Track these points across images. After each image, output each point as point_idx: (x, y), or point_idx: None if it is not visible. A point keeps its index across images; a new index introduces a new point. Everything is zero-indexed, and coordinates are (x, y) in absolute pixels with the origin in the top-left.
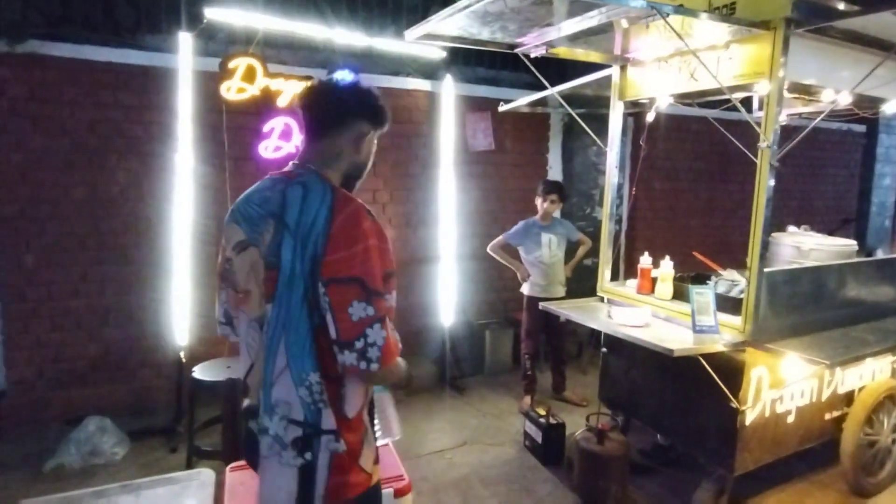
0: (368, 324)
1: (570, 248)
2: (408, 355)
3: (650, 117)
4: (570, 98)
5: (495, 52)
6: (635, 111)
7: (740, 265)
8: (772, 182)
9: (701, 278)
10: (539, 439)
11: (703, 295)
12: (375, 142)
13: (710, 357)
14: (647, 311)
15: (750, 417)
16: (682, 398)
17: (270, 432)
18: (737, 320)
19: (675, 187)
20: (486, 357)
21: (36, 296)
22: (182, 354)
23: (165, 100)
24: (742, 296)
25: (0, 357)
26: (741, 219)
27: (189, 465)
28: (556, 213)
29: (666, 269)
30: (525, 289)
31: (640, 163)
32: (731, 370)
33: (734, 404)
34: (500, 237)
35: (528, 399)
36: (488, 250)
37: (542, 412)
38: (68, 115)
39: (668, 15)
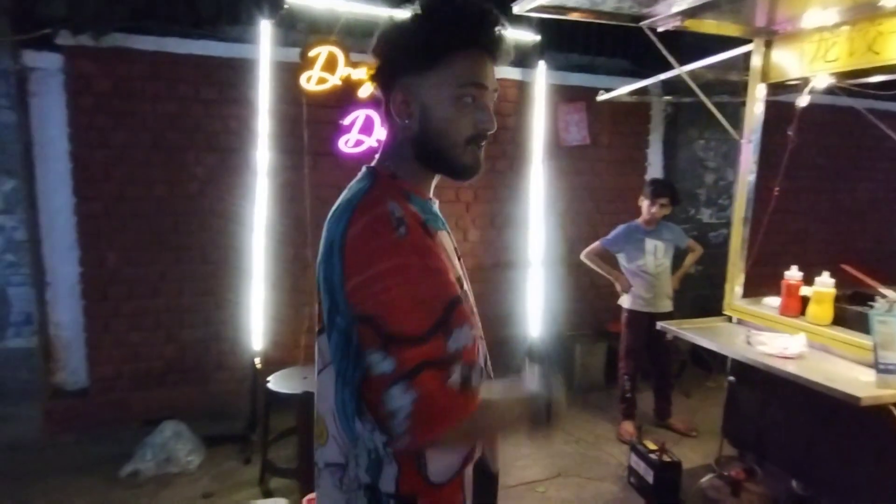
0: (386, 385)
1: (677, 256)
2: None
3: (802, 102)
4: (676, 85)
5: (590, 37)
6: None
7: None
8: None
9: (860, 298)
10: (650, 479)
11: (888, 324)
12: (455, 91)
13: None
14: (803, 339)
15: None
16: (842, 446)
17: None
18: None
19: (793, 186)
20: (575, 372)
21: (117, 294)
22: (257, 360)
23: (244, 93)
24: None
25: (83, 355)
26: (872, 223)
27: (262, 481)
28: None
29: (824, 287)
30: (625, 302)
31: (787, 158)
32: None
33: None
34: (597, 243)
35: (627, 425)
36: (582, 258)
37: (653, 447)
38: (150, 110)
39: None
